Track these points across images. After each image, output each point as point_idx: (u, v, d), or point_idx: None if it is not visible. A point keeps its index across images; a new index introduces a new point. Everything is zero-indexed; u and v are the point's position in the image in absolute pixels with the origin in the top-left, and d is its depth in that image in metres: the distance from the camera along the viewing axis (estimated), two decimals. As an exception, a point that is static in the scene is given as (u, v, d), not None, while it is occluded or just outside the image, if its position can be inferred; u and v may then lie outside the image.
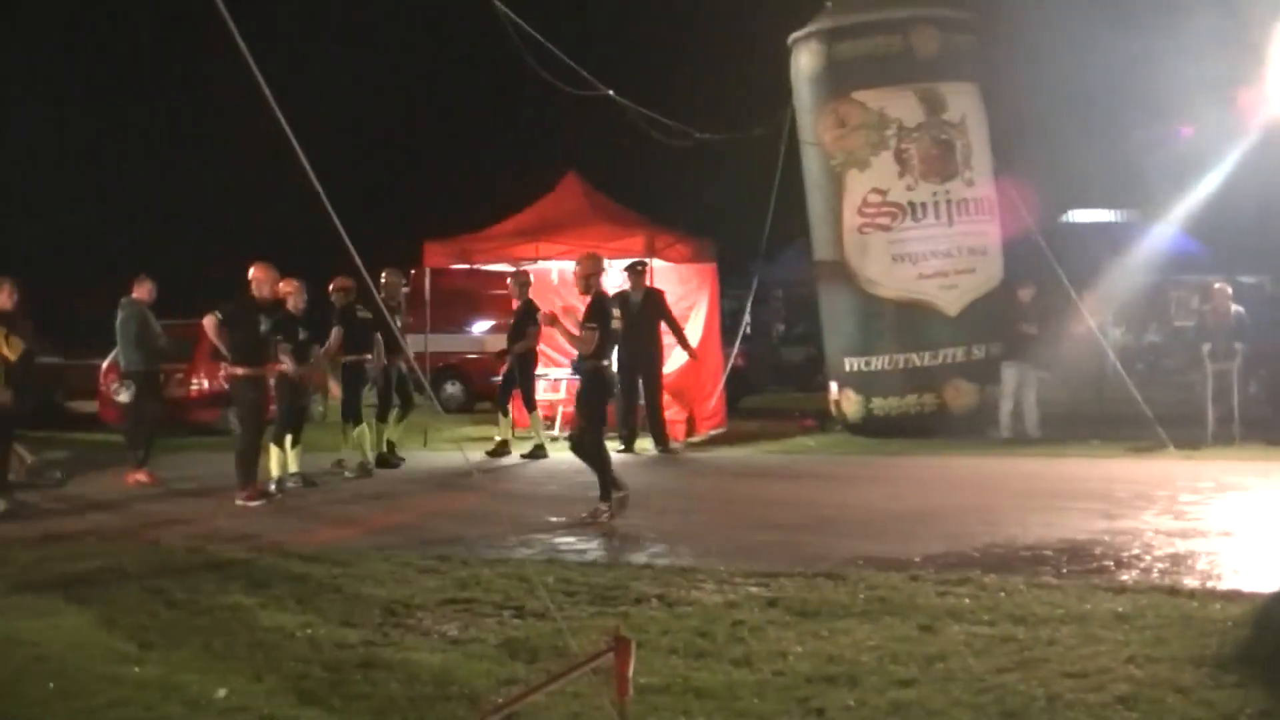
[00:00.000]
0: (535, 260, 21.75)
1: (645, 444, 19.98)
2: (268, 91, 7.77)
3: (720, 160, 28.63)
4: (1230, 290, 19.33)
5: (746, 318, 25.18)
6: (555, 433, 20.65)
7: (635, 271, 20.11)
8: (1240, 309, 18.97)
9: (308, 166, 7.92)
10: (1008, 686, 7.39)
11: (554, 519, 13.80)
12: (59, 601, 9.95)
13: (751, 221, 24.30)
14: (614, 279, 21.44)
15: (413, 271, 23.35)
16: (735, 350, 24.13)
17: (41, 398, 19.03)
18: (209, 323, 15.12)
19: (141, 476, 16.95)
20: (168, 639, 8.82)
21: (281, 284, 15.63)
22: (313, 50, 41.93)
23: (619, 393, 20.50)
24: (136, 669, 8.10)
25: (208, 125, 46.32)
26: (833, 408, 22.07)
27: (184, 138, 46.55)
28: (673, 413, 20.64)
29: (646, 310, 19.90)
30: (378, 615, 9.40)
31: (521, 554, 11.62)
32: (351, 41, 48.29)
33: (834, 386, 21.91)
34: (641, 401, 20.12)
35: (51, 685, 7.78)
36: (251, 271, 15.37)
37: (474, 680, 7.70)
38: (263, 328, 15.17)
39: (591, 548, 12.17)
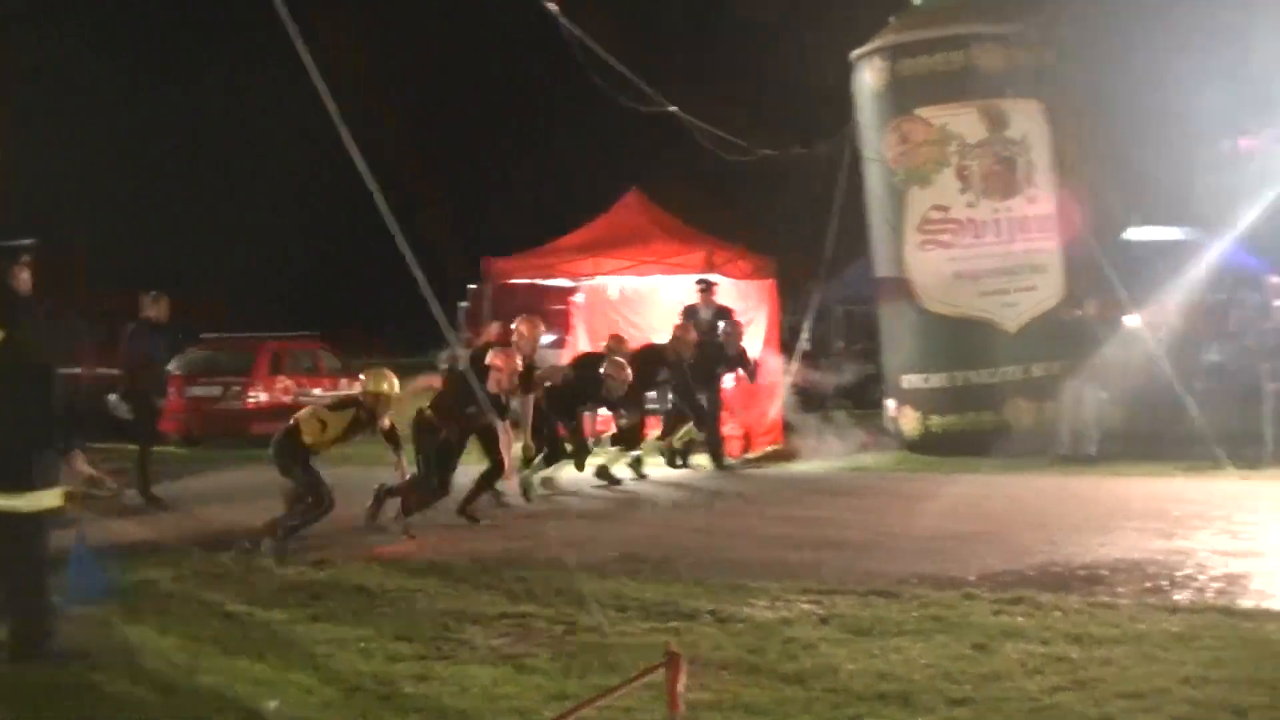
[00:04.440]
0: (594, 276, 21.81)
1: (701, 460, 19.97)
2: (334, 108, 7.83)
3: (783, 177, 28.57)
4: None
5: (805, 334, 25.11)
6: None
7: (705, 288, 20.13)
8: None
9: (378, 193, 7.96)
10: (1063, 706, 7.36)
11: (605, 535, 13.84)
12: (114, 612, 10.02)
13: (814, 238, 24.25)
14: (675, 294, 21.50)
15: (470, 287, 23.47)
16: (794, 367, 24.08)
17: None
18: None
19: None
20: (222, 650, 8.88)
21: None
22: (370, 65, 42.28)
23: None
24: (190, 680, 8.16)
25: (254, 143, 46.93)
26: (890, 425, 21.98)
27: (226, 155, 47.06)
28: (729, 429, 20.64)
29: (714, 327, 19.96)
30: (431, 629, 9.44)
31: (574, 570, 11.64)
32: (412, 55, 48.66)
33: (892, 404, 21.81)
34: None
35: (105, 695, 7.84)
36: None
37: (525, 695, 7.72)
38: None
39: (644, 564, 12.16)
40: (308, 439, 11.88)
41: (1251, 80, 19.68)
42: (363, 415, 12.26)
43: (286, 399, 24.15)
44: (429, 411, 14.53)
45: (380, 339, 39.11)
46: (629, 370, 16.86)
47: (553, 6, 14.03)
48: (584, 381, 17.08)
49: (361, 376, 12.62)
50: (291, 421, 12.31)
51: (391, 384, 12.46)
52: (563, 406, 17.14)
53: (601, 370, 16.95)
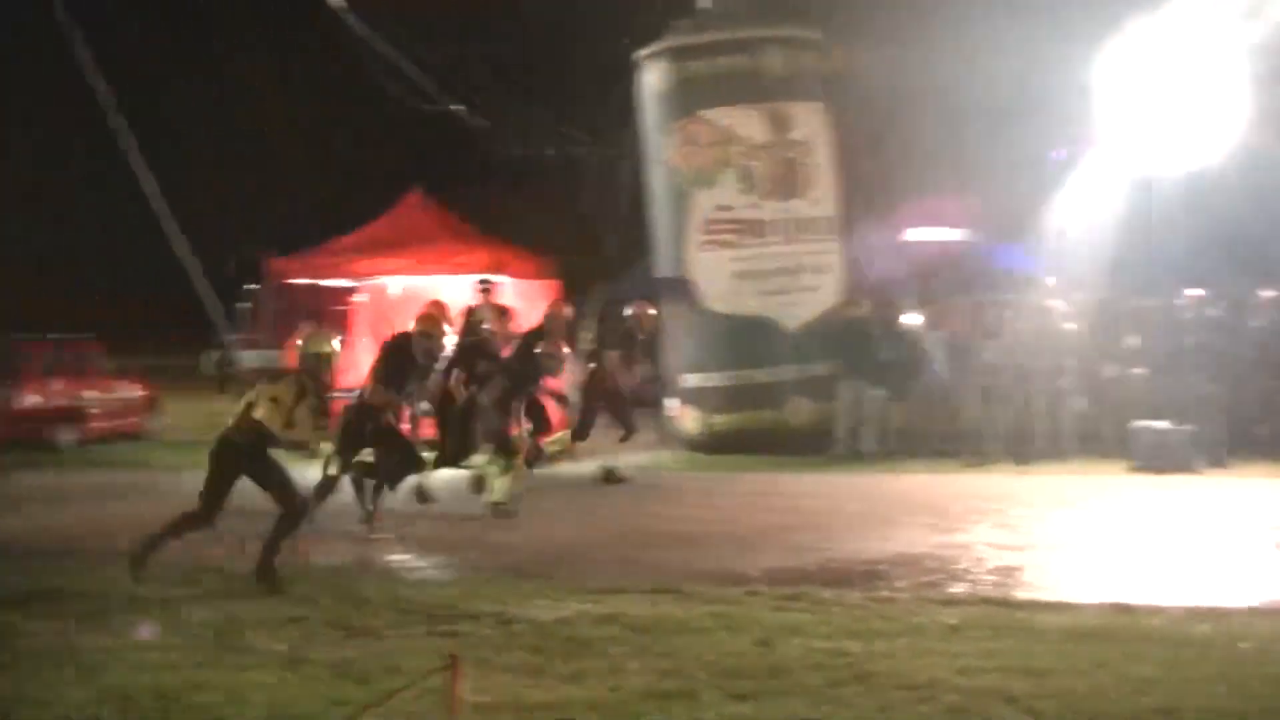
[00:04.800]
0: (375, 276, 21.64)
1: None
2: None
3: (567, 176, 28.59)
4: (1063, 308, 19.64)
5: (588, 335, 25.09)
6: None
7: (486, 289, 20.02)
8: (1073, 326, 19.29)
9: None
10: (843, 700, 7.44)
11: (386, 536, 13.68)
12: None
13: (598, 238, 24.28)
14: (455, 293, 21.37)
15: (247, 287, 23.19)
16: (578, 367, 24.07)
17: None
18: None
19: None
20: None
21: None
22: (154, 59, 41.50)
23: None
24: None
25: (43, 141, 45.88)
26: (671, 424, 22.04)
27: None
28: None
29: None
30: (209, 636, 9.23)
31: (355, 572, 11.51)
32: (200, 54, 47.84)
33: (674, 403, 21.89)
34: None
35: None
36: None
37: (305, 701, 7.58)
38: None
39: (425, 566, 12.09)
40: (258, 415, 11.42)
41: (1051, 89, 20.16)
42: (306, 381, 11.92)
43: (59, 402, 23.46)
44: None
45: (154, 340, 38.32)
46: (566, 348, 16.74)
47: (338, 2, 13.87)
48: (522, 370, 16.44)
49: (299, 342, 12.33)
50: (243, 408, 11.88)
51: (331, 345, 12.16)
52: (502, 401, 16.49)
53: (538, 350, 16.48)
